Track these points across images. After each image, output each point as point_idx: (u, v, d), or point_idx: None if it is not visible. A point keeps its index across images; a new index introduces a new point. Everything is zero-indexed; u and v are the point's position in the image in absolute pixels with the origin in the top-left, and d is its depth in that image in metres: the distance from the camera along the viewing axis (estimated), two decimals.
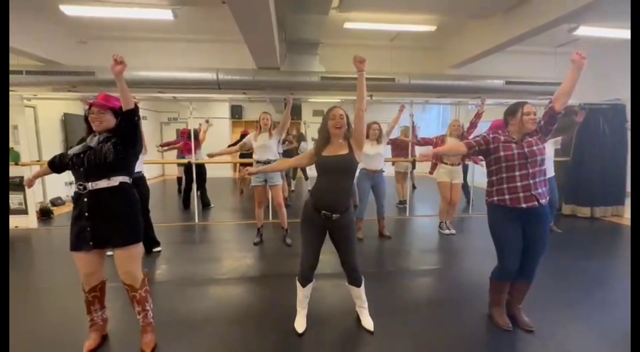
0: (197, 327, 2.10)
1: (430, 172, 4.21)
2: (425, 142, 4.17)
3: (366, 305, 2.11)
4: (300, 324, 2.03)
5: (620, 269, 3.04)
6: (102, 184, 1.67)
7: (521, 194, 1.87)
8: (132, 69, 4.65)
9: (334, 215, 1.86)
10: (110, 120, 1.73)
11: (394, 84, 4.88)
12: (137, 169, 3.14)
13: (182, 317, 2.21)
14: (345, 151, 1.88)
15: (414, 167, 6.66)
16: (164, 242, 3.85)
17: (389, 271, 3.02)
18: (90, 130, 1.76)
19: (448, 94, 5.49)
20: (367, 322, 2.05)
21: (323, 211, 1.86)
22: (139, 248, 1.82)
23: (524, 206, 1.86)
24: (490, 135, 1.98)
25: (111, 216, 1.70)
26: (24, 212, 4.36)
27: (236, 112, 9.59)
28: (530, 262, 1.98)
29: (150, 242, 3.40)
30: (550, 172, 3.68)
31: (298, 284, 2.04)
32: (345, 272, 2.02)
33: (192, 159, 4.88)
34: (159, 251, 3.42)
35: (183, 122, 9.25)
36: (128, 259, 1.76)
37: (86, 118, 1.76)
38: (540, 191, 1.88)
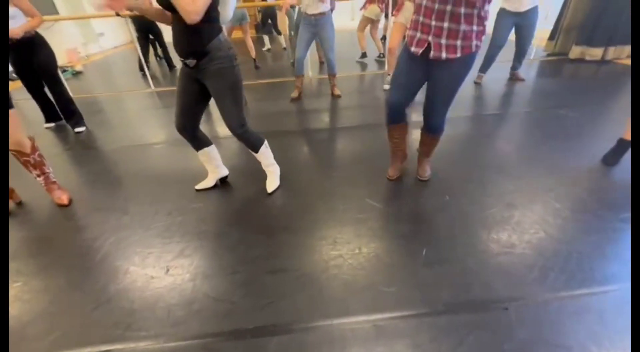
0: (130, 185, 2.12)
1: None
2: None
3: (272, 166, 1.94)
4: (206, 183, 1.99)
5: (603, 117, 2.72)
6: None
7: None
8: None
9: (187, 60, 1.49)
10: None
11: None
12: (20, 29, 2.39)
13: (113, 179, 2.23)
14: None
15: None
16: (121, 109, 3.66)
17: (310, 129, 2.83)
18: None
19: None
20: (269, 184, 1.93)
21: (181, 59, 1.50)
22: (15, 113, 1.64)
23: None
24: None
25: None
26: None
27: None
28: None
29: (71, 116, 2.95)
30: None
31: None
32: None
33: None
34: (82, 131, 2.99)
35: None
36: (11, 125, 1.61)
37: None
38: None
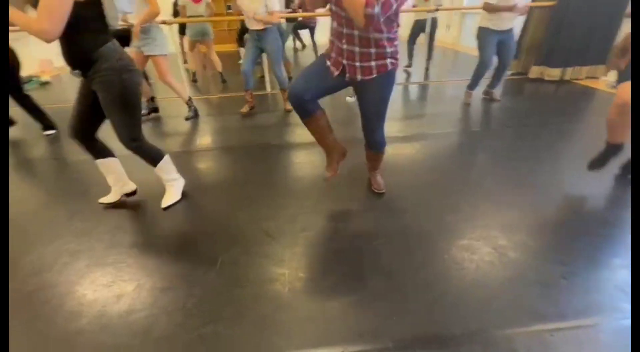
0: None
1: None
2: None
3: (173, 181, 1.84)
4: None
5: (553, 137, 2.67)
6: None
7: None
8: None
9: (74, 72, 1.46)
10: None
11: None
12: None
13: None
14: None
15: None
16: None
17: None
18: None
19: None
20: (165, 199, 1.84)
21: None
22: None
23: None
24: None
25: None
26: None
27: None
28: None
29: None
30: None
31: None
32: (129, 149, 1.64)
33: None
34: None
35: None
36: None
37: None
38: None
